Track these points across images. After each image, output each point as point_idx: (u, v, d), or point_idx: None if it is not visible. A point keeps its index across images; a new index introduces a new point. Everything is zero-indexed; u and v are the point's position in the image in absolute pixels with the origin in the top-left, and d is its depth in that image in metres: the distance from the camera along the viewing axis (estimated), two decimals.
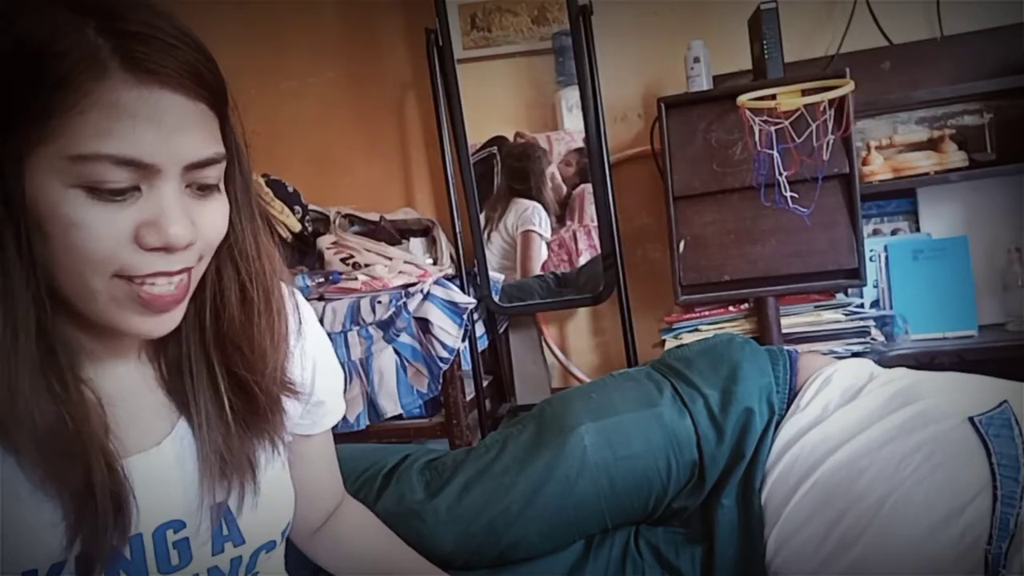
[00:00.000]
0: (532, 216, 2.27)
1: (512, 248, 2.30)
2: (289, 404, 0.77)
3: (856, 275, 1.77)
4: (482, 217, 2.25)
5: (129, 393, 0.67)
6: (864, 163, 1.91)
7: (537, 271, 2.28)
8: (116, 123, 0.53)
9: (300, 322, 0.76)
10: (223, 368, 0.69)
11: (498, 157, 2.30)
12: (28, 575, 0.59)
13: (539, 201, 2.30)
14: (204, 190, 0.60)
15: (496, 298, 2.18)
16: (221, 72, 0.60)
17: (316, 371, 0.80)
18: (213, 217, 0.61)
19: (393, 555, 0.94)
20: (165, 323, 0.61)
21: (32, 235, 0.55)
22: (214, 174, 0.60)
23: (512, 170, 2.32)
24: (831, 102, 1.68)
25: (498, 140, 2.31)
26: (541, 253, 2.29)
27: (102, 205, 0.54)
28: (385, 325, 1.91)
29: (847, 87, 1.66)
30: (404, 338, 1.90)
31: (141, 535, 0.64)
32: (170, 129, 0.55)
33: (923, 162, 1.88)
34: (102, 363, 0.66)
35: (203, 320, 0.67)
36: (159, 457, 0.67)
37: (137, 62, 0.53)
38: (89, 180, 0.53)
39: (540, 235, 2.28)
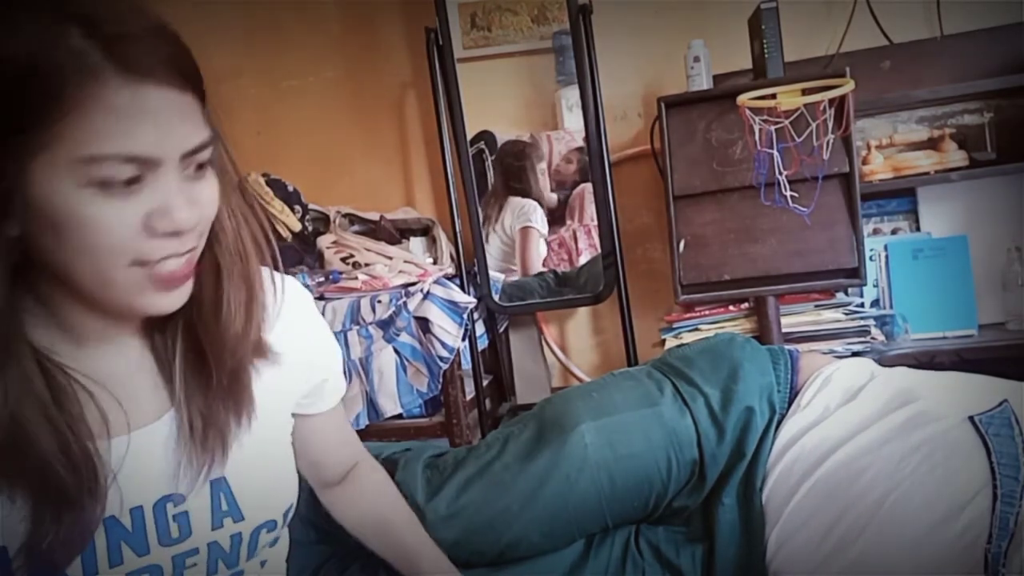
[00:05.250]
0: (529, 213, 2.27)
1: (510, 248, 2.30)
2: (291, 382, 0.80)
3: (856, 274, 1.77)
4: (481, 219, 2.25)
5: (131, 370, 0.70)
6: (864, 162, 1.91)
7: (538, 268, 2.28)
8: (118, 123, 0.56)
9: (280, 303, 0.78)
10: (193, 335, 0.71)
11: (487, 153, 2.30)
12: None
13: (535, 199, 2.30)
14: (199, 170, 0.63)
15: (496, 297, 2.18)
16: (194, 58, 0.62)
17: (318, 352, 0.84)
18: (209, 193, 0.64)
19: (397, 525, 0.97)
20: (178, 298, 0.65)
21: (43, 236, 0.58)
22: (206, 155, 0.63)
23: (509, 169, 2.32)
24: (831, 101, 1.68)
25: (485, 135, 2.31)
26: (540, 249, 2.29)
27: (112, 200, 0.57)
28: (385, 324, 1.91)
29: (847, 86, 1.66)
30: (404, 337, 1.90)
31: (142, 508, 0.67)
32: (166, 123, 0.58)
33: (923, 161, 1.87)
34: (105, 343, 0.68)
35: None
36: (159, 431, 0.69)
37: (127, 63, 0.56)
38: (98, 178, 0.56)
39: (538, 231, 2.28)
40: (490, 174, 2.33)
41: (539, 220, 2.27)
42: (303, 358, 0.81)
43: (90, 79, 0.54)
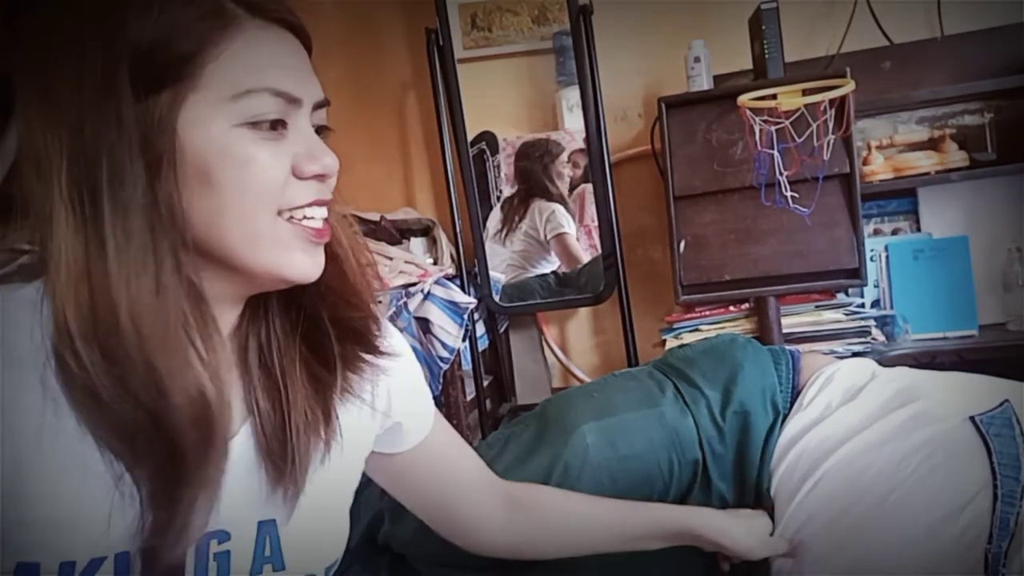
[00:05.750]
0: (558, 219, 2.30)
1: (536, 248, 2.32)
2: (363, 419, 0.75)
3: (857, 275, 1.77)
4: (499, 219, 2.29)
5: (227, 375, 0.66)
6: (865, 163, 1.91)
7: (585, 259, 2.30)
8: (261, 61, 0.59)
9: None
10: (308, 323, 0.68)
11: (488, 153, 2.31)
12: (63, 566, 0.55)
13: (552, 199, 2.31)
14: (321, 132, 0.64)
15: (496, 298, 2.18)
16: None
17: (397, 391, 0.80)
18: (335, 155, 0.65)
19: (569, 508, 0.96)
20: (319, 262, 0.64)
21: (194, 189, 0.57)
22: (326, 116, 0.65)
23: (516, 170, 2.32)
24: (831, 102, 1.67)
25: (485, 136, 2.31)
26: (578, 246, 2.33)
27: (263, 141, 0.59)
28: None
29: (848, 87, 1.66)
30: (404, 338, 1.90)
31: None
32: (301, 66, 0.62)
33: (924, 162, 1.88)
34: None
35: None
36: (235, 447, 0.63)
37: (259, 9, 0.59)
38: (250, 115, 0.58)
39: (570, 233, 2.32)
40: (491, 175, 2.33)
41: (568, 223, 2.31)
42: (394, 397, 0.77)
43: (231, 25, 0.58)
